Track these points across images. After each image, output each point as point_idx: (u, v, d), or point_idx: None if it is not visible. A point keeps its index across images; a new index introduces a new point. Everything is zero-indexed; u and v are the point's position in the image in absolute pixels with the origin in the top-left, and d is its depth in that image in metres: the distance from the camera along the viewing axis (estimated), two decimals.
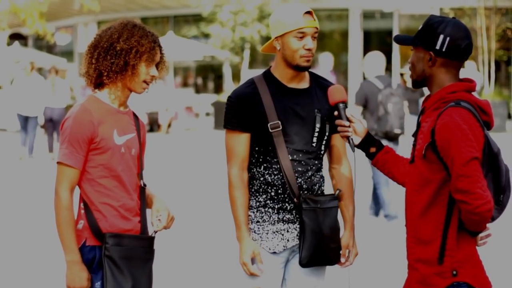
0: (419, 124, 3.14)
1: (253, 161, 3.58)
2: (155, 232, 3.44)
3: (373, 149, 3.45)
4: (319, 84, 3.64)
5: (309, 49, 3.47)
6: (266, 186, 3.55)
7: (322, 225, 3.51)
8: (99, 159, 3.31)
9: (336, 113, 3.46)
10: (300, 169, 3.52)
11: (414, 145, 3.14)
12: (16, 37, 32.35)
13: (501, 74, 26.02)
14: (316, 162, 3.57)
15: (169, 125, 22.17)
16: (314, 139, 3.55)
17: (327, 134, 3.60)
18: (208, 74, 32.41)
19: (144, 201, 3.46)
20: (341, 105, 3.46)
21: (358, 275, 6.39)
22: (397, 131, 8.51)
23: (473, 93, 3.10)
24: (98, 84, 3.40)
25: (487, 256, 3.57)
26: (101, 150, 3.31)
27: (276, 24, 3.52)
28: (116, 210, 3.34)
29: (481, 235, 3.11)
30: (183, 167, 13.83)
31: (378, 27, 28.22)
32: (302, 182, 3.52)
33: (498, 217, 3.07)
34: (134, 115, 3.53)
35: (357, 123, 3.45)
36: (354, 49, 26.53)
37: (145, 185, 3.49)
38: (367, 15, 26.95)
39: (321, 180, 3.62)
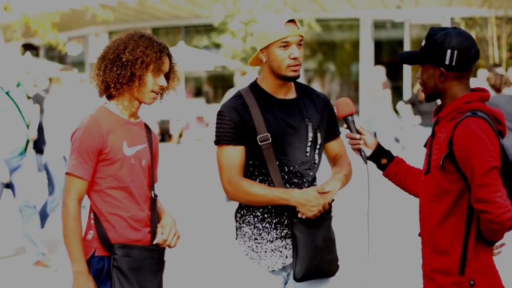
0: (433, 134, 3.12)
1: (248, 174, 3.47)
2: (154, 244, 3.39)
3: (384, 161, 3.43)
4: (306, 93, 3.56)
5: (295, 58, 3.38)
6: None
7: (315, 237, 3.39)
8: (108, 170, 3.30)
9: (345, 126, 3.43)
10: (296, 180, 3.42)
11: (429, 155, 3.12)
12: (28, 47, 32.52)
13: None
14: (311, 173, 3.48)
15: (180, 135, 22.20)
16: (308, 149, 3.46)
17: (319, 143, 3.51)
18: (219, 84, 32.43)
19: (155, 212, 3.44)
20: (350, 118, 3.44)
21: (373, 283, 6.35)
22: None
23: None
24: (108, 95, 3.40)
25: (503, 265, 3.54)
26: (110, 161, 3.29)
27: (260, 36, 3.42)
28: (125, 220, 3.32)
29: (496, 244, 3.09)
30: (194, 177, 13.81)
31: (389, 37, 28.17)
32: None
33: None
34: (146, 126, 3.52)
35: (367, 135, 3.43)
36: (365, 59, 26.48)
37: (156, 196, 3.47)
38: (378, 25, 26.90)
39: None
